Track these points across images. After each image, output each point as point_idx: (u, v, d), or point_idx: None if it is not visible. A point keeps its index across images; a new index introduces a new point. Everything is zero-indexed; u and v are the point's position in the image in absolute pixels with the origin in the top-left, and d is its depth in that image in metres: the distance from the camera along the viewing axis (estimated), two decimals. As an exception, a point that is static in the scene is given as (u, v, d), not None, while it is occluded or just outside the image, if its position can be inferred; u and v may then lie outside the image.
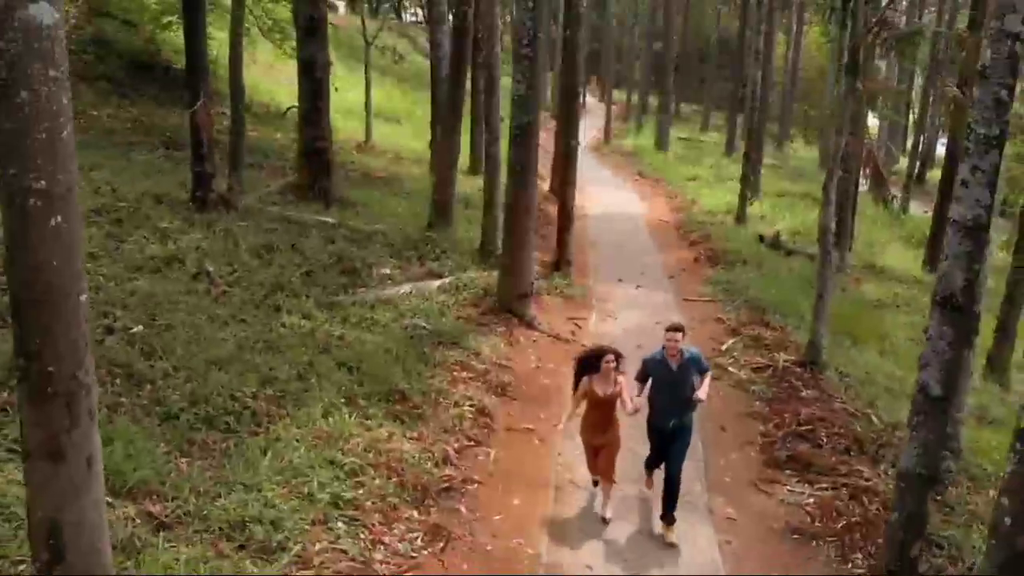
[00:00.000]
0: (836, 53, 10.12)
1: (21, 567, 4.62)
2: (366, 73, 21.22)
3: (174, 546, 5.02)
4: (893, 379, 10.69)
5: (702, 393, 6.57)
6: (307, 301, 9.35)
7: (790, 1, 36.48)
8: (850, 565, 6.38)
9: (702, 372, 6.73)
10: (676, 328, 6.73)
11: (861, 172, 17.98)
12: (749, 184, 20.21)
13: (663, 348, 6.66)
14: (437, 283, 11.29)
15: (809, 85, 43.73)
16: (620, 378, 6.65)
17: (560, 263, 13.82)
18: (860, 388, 10.03)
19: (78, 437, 4.15)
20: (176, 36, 19.01)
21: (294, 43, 17.89)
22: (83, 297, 4.12)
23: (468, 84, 16.54)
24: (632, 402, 6.59)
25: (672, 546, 6.45)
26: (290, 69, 22.35)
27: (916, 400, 5.26)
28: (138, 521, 5.16)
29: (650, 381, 6.76)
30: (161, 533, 5.12)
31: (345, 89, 21.17)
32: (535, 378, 9.63)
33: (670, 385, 6.60)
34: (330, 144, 14.14)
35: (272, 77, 22.16)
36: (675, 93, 45.99)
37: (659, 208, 21.65)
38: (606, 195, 22.83)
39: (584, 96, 46.51)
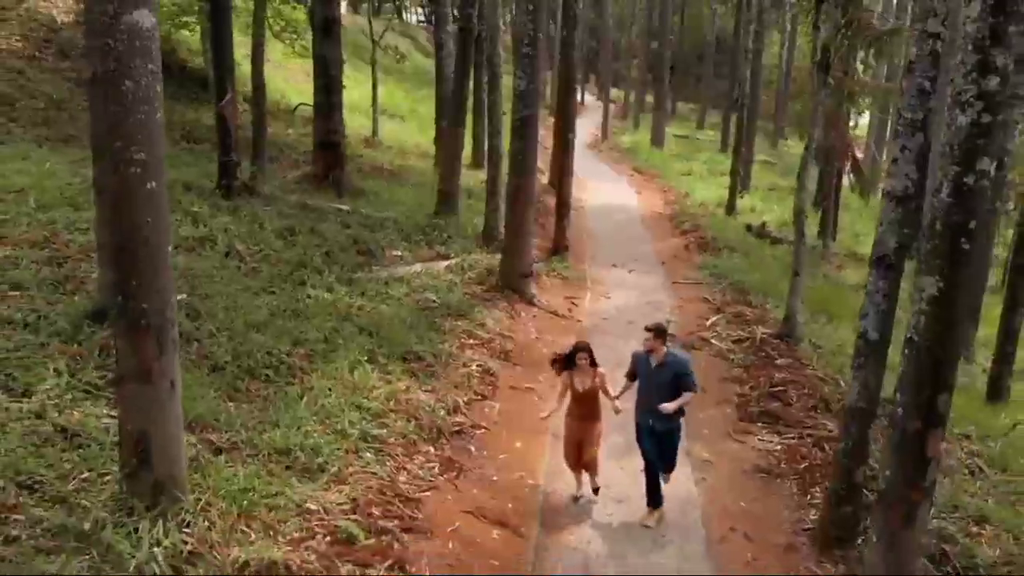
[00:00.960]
0: (812, 52, 11.03)
1: (107, 477, 5.54)
2: (373, 72, 22.14)
3: (232, 465, 5.96)
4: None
5: (668, 405, 6.54)
6: (328, 277, 10.31)
7: (783, 1, 37.32)
8: (808, 497, 7.34)
9: (684, 386, 6.67)
10: (650, 328, 6.80)
11: (842, 166, 18.89)
12: (739, 178, 21.18)
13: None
14: (444, 264, 12.24)
15: (804, 84, 44.67)
16: (599, 370, 6.89)
17: (558, 248, 14.79)
18: (831, 357, 10.97)
19: (164, 363, 5.12)
20: (192, 36, 19.95)
21: (304, 42, 18.90)
22: (169, 248, 5.09)
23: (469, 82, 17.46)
24: (615, 402, 6.82)
25: (647, 527, 6.73)
26: (298, 68, 23.35)
27: (857, 345, 6.19)
28: (199, 446, 6.10)
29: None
30: (220, 456, 6.07)
31: (350, 87, 22.09)
32: (535, 347, 10.59)
33: (647, 383, 6.75)
34: (343, 137, 15.08)
35: (281, 75, 23.08)
36: (673, 92, 46.91)
37: (653, 201, 22.59)
38: (603, 189, 23.78)
39: (583, 95, 47.47)
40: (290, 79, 23.45)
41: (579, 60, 24.42)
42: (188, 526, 5.15)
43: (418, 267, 11.77)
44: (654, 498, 6.89)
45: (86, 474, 5.53)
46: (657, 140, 34.01)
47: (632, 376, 6.98)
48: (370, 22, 22.59)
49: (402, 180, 17.78)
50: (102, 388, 6.62)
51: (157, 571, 4.76)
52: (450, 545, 5.94)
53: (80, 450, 5.79)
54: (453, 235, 13.68)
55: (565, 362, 6.95)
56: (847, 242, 20.61)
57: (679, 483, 7.47)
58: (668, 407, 6.53)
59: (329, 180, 14.45)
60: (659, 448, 6.84)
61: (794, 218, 11.48)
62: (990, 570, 6.42)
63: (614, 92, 48.21)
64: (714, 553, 6.44)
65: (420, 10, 52.89)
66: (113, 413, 6.30)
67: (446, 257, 12.59)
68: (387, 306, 10.03)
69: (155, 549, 4.87)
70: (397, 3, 45.74)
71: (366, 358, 8.30)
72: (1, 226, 9.18)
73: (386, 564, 5.39)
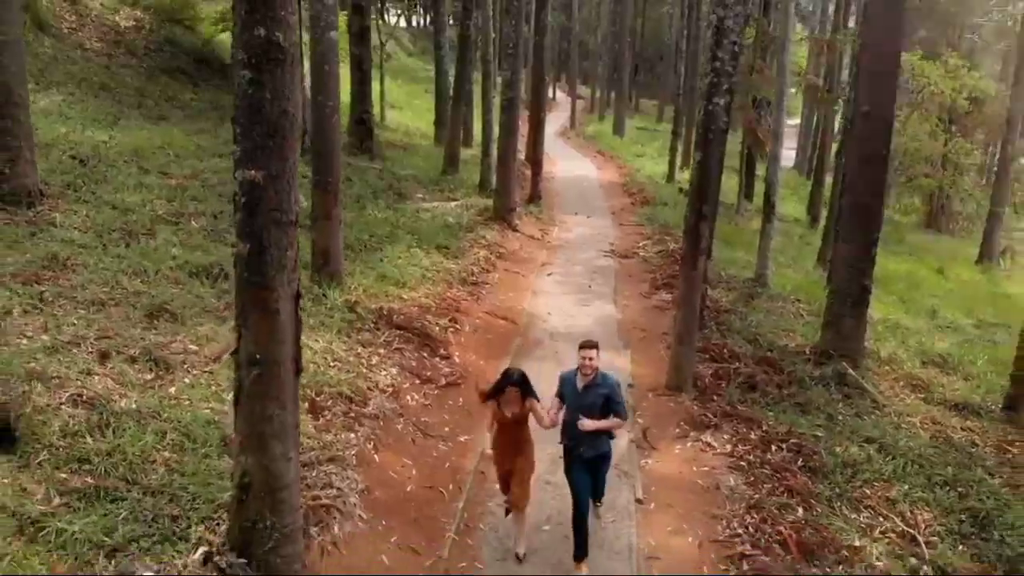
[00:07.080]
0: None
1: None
2: (381, 70, 26.99)
3: (360, 277, 10.90)
4: (746, 264, 16.83)
5: (588, 422, 5.97)
6: (380, 204, 15.26)
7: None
8: (683, 317, 12.43)
9: (615, 413, 6.12)
10: (588, 345, 6.15)
11: (750, 139, 24.12)
12: (677, 155, 26.43)
13: (578, 367, 6.16)
14: (454, 203, 17.24)
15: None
16: (532, 402, 6.17)
17: (533, 198, 19.86)
18: (722, 264, 16.12)
19: (338, 211, 10.10)
20: (228, 36, 24.68)
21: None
22: (339, 152, 10.05)
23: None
24: (549, 416, 6.21)
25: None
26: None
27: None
28: (337, 271, 11.04)
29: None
30: (352, 275, 11.02)
31: (348, 81, 26.85)
32: (519, 253, 15.66)
33: (572, 407, 6.15)
34: (372, 116, 19.97)
35: (304, 70, 27.81)
36: (636, 89, 52.25)
37: (611, 174, 27.77)
38: (570, 165, 28.94)
39: (554, 92, 52.58)
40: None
41: (550, 60, 29.40)
42: (349, 293, 10.10)
43: (436, 204, 16.76)
44: (581, 548, 6.12)
45: (285, 277, 10.43)
46: (618, 130, 39.18)
47: (563, 397, 6.33)
48: (379, 30, 27.42)
49: (412, 152, 22.71)
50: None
51: (338, 307, 9.70)
52: (478, 320, 11.00)
53: (276, 269, 10.69)
54: (457, 186, 18.71)
55: (494, 392, 6.19)
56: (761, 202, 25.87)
57: (606, 312, 12.55)
58: (587, 424, 5.98)
59: (362, 148, 19.31)
60: (590, 476, 6.27)
61: (691, 171, 16.57)
62: (787, 347, 11.54)
63: (583, 89, 53.54)
64: (623, 334, 11.49)
65: (403, 13, 57.81)
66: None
67: (454, 199, 17.59)
68: (420, 223, 15.01)
69: (336, 300, 9.82)
70: (379, 7, 50.43)
71: (415, 245, 13.28)
72: (165, 167, 13.99)
73: (447, 318, 10.44)
